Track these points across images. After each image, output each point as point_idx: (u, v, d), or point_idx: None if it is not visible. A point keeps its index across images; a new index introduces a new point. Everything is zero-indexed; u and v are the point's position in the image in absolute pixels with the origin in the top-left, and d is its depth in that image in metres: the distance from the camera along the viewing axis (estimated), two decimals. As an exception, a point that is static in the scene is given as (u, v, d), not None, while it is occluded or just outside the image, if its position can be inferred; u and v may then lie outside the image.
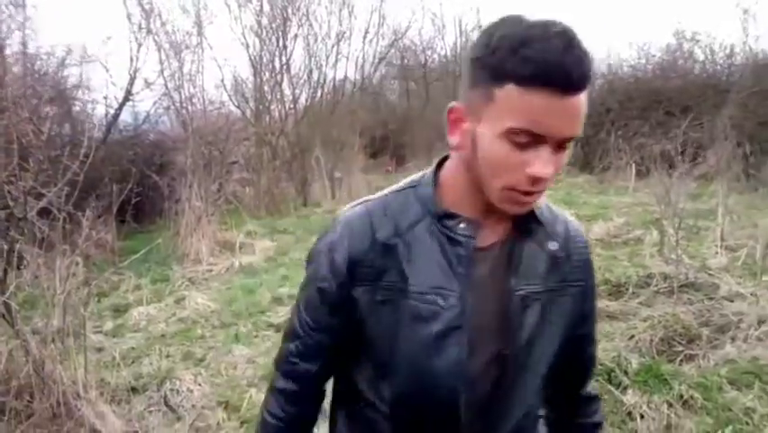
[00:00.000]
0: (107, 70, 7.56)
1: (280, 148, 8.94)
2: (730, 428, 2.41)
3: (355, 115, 9.73)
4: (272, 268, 5.46)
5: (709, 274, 4.08)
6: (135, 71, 7.52)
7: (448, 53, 13.11)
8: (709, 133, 8.99)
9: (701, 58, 10.71)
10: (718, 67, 10.58)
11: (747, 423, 2.46)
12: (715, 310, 3.49)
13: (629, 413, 2.57)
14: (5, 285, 2.86)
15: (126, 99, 7.73)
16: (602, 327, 3.60)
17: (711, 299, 3.72)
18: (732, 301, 3.63)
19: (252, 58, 8.81)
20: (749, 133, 8.48)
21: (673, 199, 4.58)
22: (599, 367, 2.89)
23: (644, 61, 11.22)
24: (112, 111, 7.66)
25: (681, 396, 2.63)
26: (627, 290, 4.00)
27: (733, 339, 3.20)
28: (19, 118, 2.92)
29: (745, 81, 9.31)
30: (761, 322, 3.24)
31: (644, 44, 11.32)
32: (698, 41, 10.57)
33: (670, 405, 2.58)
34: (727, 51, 10.32)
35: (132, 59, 7.43)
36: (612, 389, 2.72)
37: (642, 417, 2.53)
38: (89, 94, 7.64)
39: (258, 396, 3.00)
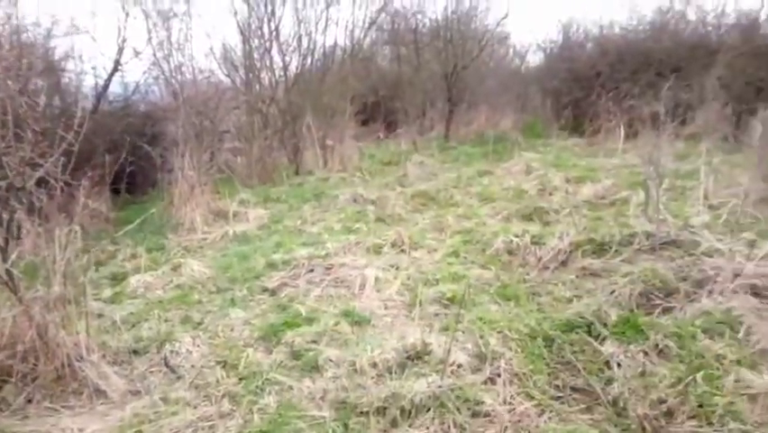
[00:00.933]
0: (95, 41, 7.49)
1: (271, 116, 8.94)
2: (702, 373, 2.55)
3: (346, 82, 9.69)
4: (266, 235, 5.56)
5: (691, 232, 4.20)
6: (123, 41, 7.48)
7: (439, 17, 12.96)
8: (699, 93, 9.05)
9: (693, 18, 10.70)
10: (709, 27, 10.56)
11: (718, 369, 2.60)
12: (694, 266, 3.62)
13: (607, 362, 2.72)
14: (7, 254, 2.96)
15: (115, 69, 7.69)
16: (585, 284, 3.75)
17: (691, 255, 3.84)
18: (711, 257, 3.76)
19: (241, 25, 8.74)
20: (737, 93, 8.54)
21: (658, 160, 4.67)
22: (580, 320, 3.04)
23: (635, 23, 11.18)
24: (101, 82, 7.64)
25: (657, 345, 2.78)
26: (611, 248, 4.13)
27: (710, 292, 3.33)
28: (12, 90, 2.97)
29: (734, 41, 9.32)
30: (736, 276, 3.37)
31: (636, 5, 11.29)
32: (689, 1, 10.54)
33: (645, 354, 2.73)
34: (718, 11, 10.30)
35: (119, 29, 7.39)
36: (591, 340, 2.87)
37: (619, 365, 2.68)
38: (79, 65, 7.59)
39: (255, 355, 3.13)
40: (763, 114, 6.55)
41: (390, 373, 2.82)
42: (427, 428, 2.39)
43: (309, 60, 9.65)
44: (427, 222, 5.65)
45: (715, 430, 2.28)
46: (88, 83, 7.70)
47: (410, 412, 2.47)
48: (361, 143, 10.24)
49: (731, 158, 6.75)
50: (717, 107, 8.37)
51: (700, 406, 2.38)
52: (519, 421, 2.38)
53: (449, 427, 2.37)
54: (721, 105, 8.36)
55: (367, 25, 10.86)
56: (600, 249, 4.18)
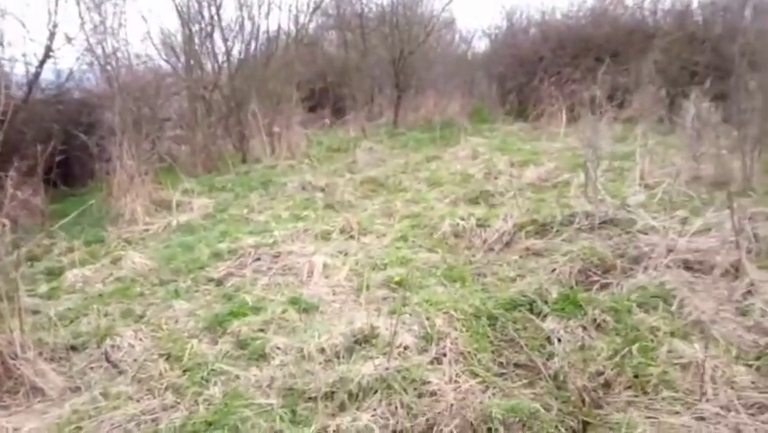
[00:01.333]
0: (24, 26, 7.11)
1: (215, 103, 8.71)
2: (637, 345, 2.66)
3: (291, 68, 9.53)
4: (211, 225, 5.44)
5: (628, 211, 4.36)
6: (55, 26, 7.13)
7: (384, 2, 12.90)
8: (636, 77, 9.36)
9: (630, 4, 11.03)
10: (646, 13, 10.92)
11: (652, 340, 2.72)
12: (630, 243, 3.77)
13: (548, 338, 2.80)
14: (-73, 250, 2.79)
15: (47, 56, 7.33)
16: (528, 264, 3.84)
17: (628, 233, 3.99)
18: (646, 234, 3.91)
19: (180, 9, 8.45)
20: (671, 76, 8.87)
21: (597, 143, 4.81)
22: (522, 298, 3.11)
23: (575, 9, 11.45)
24: (32, 69, 7.27)
25: (595, 320, 2.88)
26: (552, 228, 4.24)
27: (645, 268, 3.47)
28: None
29: (669, 27, 9.67)
30: (669, 251, 3.53)
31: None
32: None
33: (584, 328, 2.82)
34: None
35: (50, 14, 7.03)
36: (533, 317, 2.95)
37: (559, 340, 2.76)
38: (6, 51, 7.20)
39: (199, 346, 3.06)
40: (696, 96, 6.84)
41: (338, 357, 2.82)
42: (375, 409, 2.40)
43: (253, 46, 9.47)
44: (376, 207, 5.66)
45: (650, 399, 2.38)
46: (19, 70, 7.32)
47: (358, 395, 2.48)
48: (309, 130, 10.13)
49: (665, 139, 7.02)
50: (653, 91, 8.67)
51: (636, 376, 2.48)
52: (464, 399, 2.42)
53: (396, 407, 2.39)
54: (656, 88, 8.66)
55: (311, 10, 10.73)
56: (543, 229, 4.29)
